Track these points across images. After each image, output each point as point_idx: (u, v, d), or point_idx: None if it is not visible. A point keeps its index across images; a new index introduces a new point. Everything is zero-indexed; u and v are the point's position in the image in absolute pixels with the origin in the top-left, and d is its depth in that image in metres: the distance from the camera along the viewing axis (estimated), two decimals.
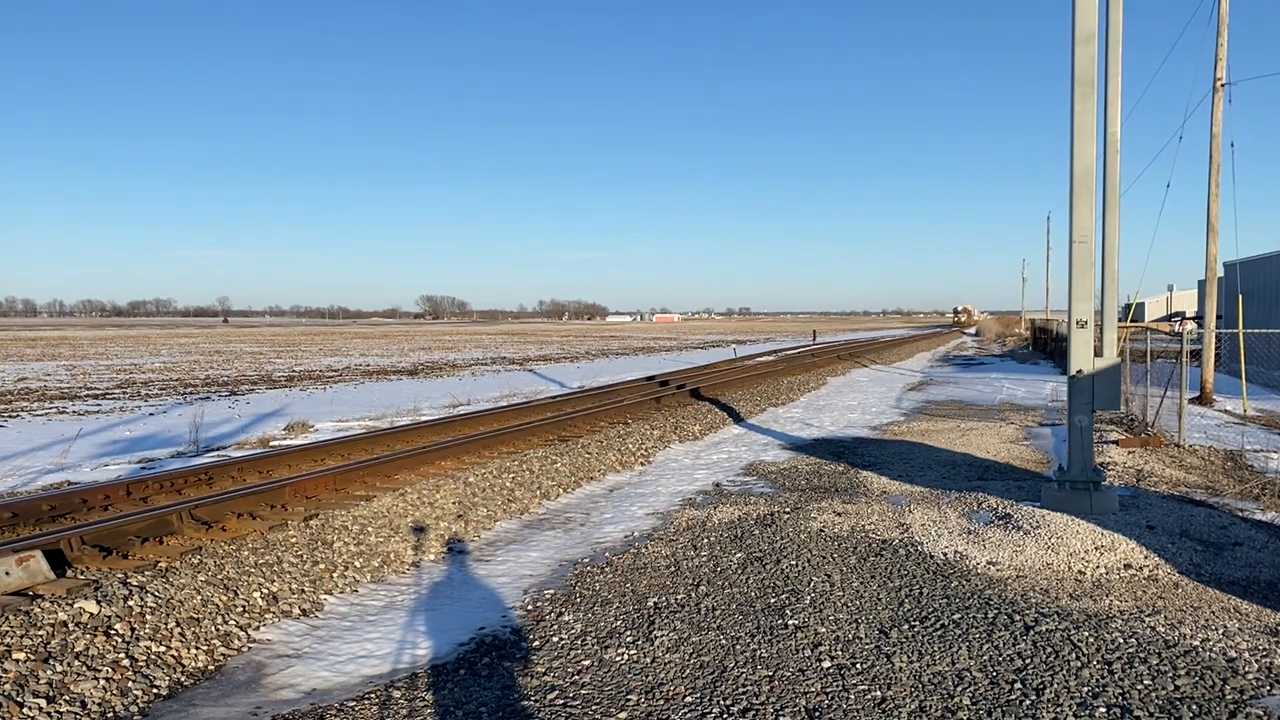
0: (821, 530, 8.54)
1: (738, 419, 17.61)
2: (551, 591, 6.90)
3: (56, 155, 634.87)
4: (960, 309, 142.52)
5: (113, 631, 5.43)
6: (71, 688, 4.89)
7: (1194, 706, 4.65)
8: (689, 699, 4.92)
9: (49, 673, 4.93)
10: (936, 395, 22.82)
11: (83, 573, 6.46)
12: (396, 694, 5.11)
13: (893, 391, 24.11)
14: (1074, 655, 5.37)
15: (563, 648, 5.72)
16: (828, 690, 4.98)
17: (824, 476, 11.50)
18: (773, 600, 6.54)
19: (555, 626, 6.12)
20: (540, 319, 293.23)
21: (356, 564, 7.41)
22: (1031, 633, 5.76)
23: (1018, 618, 6.04)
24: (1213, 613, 6.09)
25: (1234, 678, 5.00)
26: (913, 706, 4.74)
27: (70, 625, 5.36)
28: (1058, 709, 4.68)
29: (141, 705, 4.96)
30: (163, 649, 5.47)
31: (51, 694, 4.79)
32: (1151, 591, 6.59)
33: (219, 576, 6.46)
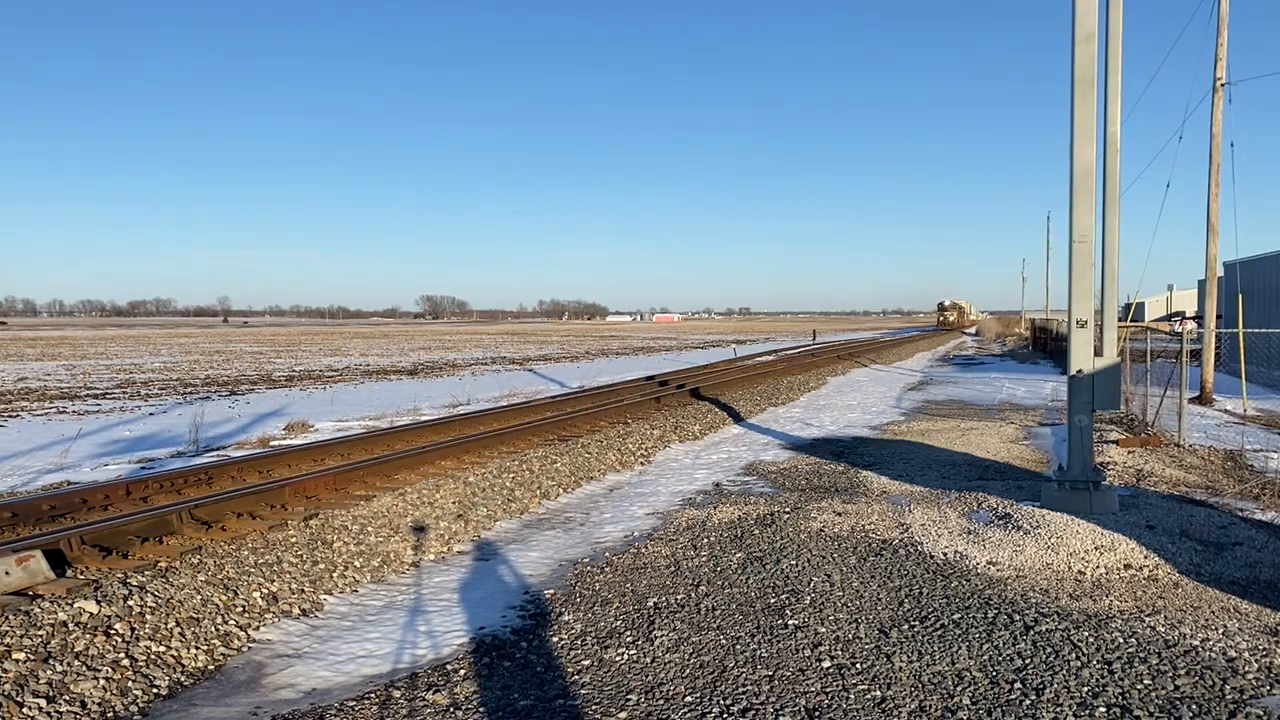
0: (821, 530, 8.54)
1: (738, 419, 17.62)
2: (551, 591, 6.90)
3: (57, 155, 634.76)
4: (948, 304, 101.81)
5: (113, 631, 5.43)
6: (71, 687, 4.89)
7: (1194, 706, 4.65)
8: (689, 699, 4.92)
9: (49, 672, 4.93)
10: (936, 395, 22.82)
11: (83, 572, 6.46)
12: (396, 694, 5.11)
13: (893, 391, 24.12)
14: (1074, 655, 5.37)
15: (562, 648, 5.72)
16: (828, 690, 4.98)
17: (824, 476, 11.50)
18: (773, 600, 6.54)
19: (555, 626, 6.12)
20: (540, 319, 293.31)
21: (356, 564, 7.41)
22: (1031, 632, 5.76)
23: (1017, 617, 6.04)
24: (1213, 612, 6.09)
25: (1234, 677, 5.00)
26: (913, 706, 4.74)
27: (70, 625, 5.36)
28: (1058, 709, 4.68)
29: (141, 705, 4.96)
30: (163, 649, 5.47)
31: (51, 694, 4.79)
32: (1151, 591, 6.59)
33: (219, 576, 6.46)
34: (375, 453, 12.15)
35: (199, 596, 6.11)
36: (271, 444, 14.01)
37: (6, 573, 5.90)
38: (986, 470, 11.80)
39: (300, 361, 41.26)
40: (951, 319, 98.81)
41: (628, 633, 5.94)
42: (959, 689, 4.94)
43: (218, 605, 6.12)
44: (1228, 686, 4.88)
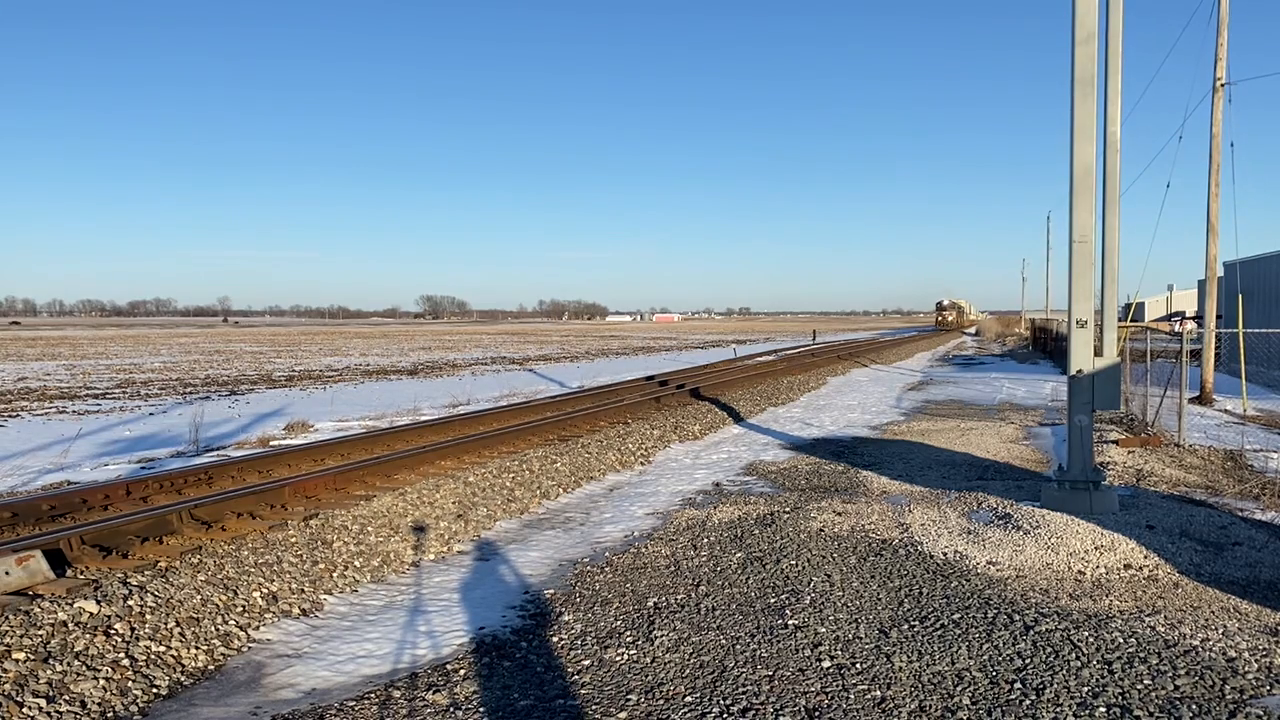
0: (821, 530, 8.54)
1: (738, 419, 17.62)
2: (551, 591, 6.89)
3: (56, 155, 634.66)
4: (947, 304, 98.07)
5: (113, 631, 5.43)
6: (71, 687, 4.89)
7: (1194, 706, 4.65)
8: (689, 699, 4.92)
9: (49, 672, 4.93)
10: (936, 395, 22.82)
11: (83, 572, 6.46)
12: (396, 694, 5.11)
13: (892, 391, 24.12)
14: (1074, 655, 5.37)
15: (562, 648, 5.72)
16: (828, 690, 4.98)
17: (824, 476, 11.50)
18: (773, 600, 6.54)
19: (555, 626, 6.12)
20: (540, 319, 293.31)
21: (356, 564, 7.41)
22: (1031, 632, 5.76)
23: (1017, 617, 6.04)
24: (1213, 612, 6.09)
25: (1234, 677, 5.00)
26: (912, 706, 4.74)
27: (70, 625, 5.36)
28: (1057, 709, 4.68)
29: (141, 705, 4.96)
30: (162, 649, 5.47)
31: (51, 694, 4.79)
32: (1151, 591, 6.59)
33: (219, 576, 6.46)
34: (375, 453, 12.15)
35: (199, 596, 6.11)
36: (271, 444, 14.01)
37: (6, 573, 5.90)
38: (986, 470, 11.80)
39: (300, 361, 41.26)
40: (951, 319, 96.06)
41: (628, 633, 5.94)
42: (959, 689, 4.94)
43: (218, 605, 6.12)
44: (1228, 686, 4.89)
